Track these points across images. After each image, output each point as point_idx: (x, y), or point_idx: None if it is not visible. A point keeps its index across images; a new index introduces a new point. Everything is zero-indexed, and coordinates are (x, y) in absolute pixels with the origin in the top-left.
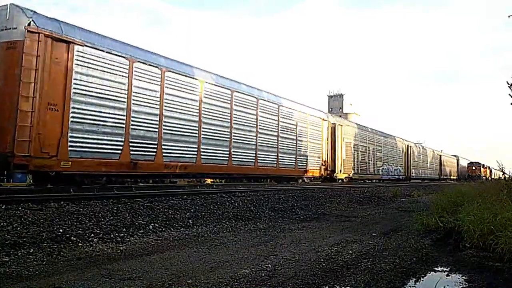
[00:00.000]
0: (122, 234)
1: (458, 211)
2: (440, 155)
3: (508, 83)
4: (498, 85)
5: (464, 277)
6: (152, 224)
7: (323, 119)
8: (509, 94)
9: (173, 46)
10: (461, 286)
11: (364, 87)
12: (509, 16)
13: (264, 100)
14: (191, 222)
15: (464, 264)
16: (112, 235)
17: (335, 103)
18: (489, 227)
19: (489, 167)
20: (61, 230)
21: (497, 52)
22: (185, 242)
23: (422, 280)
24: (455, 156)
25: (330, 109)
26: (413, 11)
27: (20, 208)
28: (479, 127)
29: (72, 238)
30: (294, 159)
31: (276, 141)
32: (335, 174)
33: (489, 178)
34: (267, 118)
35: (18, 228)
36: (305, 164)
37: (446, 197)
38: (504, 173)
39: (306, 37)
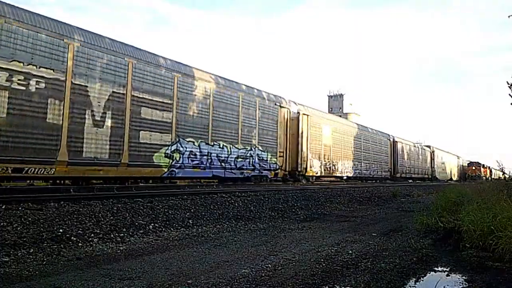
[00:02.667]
0: (122, 234)
1: (458, 211)
2: (396, 142)
3: (508, 83)
4: (498, 85)
5: (464, 277)
6: (152, 224)
7: None
8: (509, 94)
9: (173, 46)
10: (461, 286)
11: (364, 87)
12: (509, 16)
13: None
14: (191, 222)
15: (464, 264)
16: (112, 235)
17: (335, 103)
18: (489, 227)
19: (489, 167)
20: (61, 230)
21: (498, 52)
22: (185, 242)
23: (422, 280)
24: (428, 147)
25: (330, 109)
26: (414, 11)
27: (20, 208)
28: (479, 127)
29: (72, 238)
30: None
31: None
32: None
33: (489, 178)
34: None
35: (18, 228)
36: None
37: (446, 197)
38: (504, 173)
39: (307, 37)
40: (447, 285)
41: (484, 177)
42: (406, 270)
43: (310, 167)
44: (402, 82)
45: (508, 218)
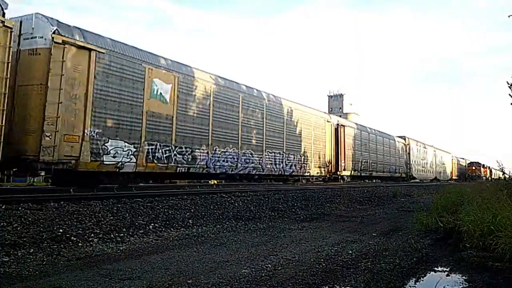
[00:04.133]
0: (122, 234)
1: (458, 211)
2: (343, 126)
3: (508, 83)
4: (499, 85)
5: (464, 277)
6: (152, 224)
7: None
8: (509, 94)
9: (174, 46)
10: (461, 286)
11: (364, 87)
12: (509, 16)
13: None
14: (191, 222)
15: (464, 264)
16: (112, 235)
17: (335, 103)
18: (489, 227)
19: (489, 167)
20: (61, 230)
21: (498, 52)
22: (185, 242)
23: (422, 280)
24: (402, 138)
25: (330, 109)
26: (414, 11)
27: (20, 208)
28: (480, 127)
29: (72, 238)
30: None
31: None
32: None
33: (489, 178)
34: None
35: (18, 228)
36: None
37: (446, 197)
38: (504, 173)
39: (307, 37)
40: (447, 285)
41: (484, 177)
42: (406, 270)
43: (87, 153)
44: (402, 82)
45: (508, 218)
